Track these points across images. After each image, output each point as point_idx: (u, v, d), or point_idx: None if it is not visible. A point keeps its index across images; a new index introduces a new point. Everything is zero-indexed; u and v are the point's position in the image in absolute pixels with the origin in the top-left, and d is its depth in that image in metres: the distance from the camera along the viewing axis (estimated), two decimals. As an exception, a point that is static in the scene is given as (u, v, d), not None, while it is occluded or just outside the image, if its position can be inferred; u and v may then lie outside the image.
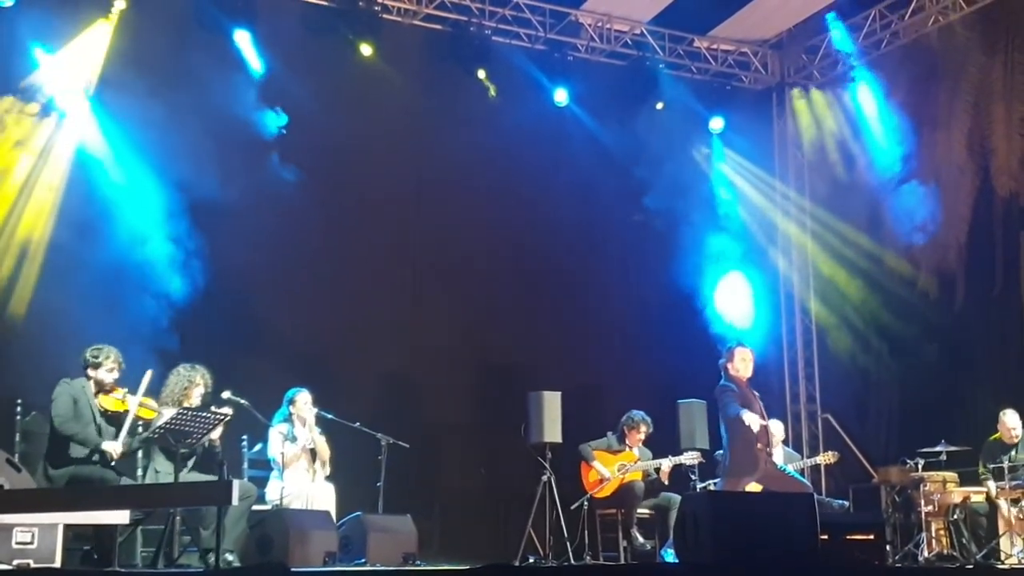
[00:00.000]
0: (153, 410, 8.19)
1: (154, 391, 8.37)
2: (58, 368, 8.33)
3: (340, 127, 11.47)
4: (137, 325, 9.52)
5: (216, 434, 8.35)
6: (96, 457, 7.96)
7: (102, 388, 8.12)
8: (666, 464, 10.31)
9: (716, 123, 13.60)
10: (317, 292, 11.34)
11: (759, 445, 8.82)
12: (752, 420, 8.65)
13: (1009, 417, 10.34)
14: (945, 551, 9.97)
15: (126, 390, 8.13)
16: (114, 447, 7.97)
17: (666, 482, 10.34)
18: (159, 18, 10.88)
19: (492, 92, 12.26)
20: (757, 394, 9.11)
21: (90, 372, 8.11)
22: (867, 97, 12.91)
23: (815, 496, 8.32)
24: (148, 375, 8.14)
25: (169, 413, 8.14)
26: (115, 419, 8.11)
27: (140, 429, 8.24)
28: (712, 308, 13.15)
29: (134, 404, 8.05)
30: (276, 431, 9.41)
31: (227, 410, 8.44)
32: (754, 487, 10.46)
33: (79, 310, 9.50)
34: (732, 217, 13.72)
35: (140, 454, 8.48)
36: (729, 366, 9.05)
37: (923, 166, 12.62)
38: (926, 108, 12.65)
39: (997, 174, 12.00)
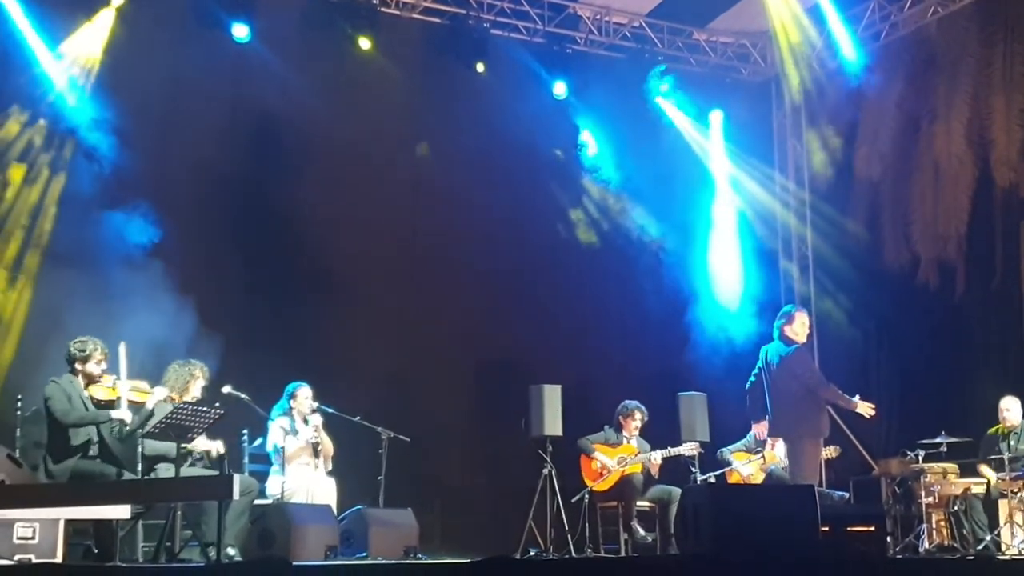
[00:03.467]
0: (145, 391, 8.17)
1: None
2: (59, 363, 8.32)
3: (339, 121, 11.47)
4: (136, 320, 9.50)
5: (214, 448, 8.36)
6: (94, 451, 7.95)
7: (91, 380, 8.07)
8: (656, 457, 10.29)
9: (715, 115, 13.59)
10: (316, 285, 11.33)
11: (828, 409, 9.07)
12: (865, 408, 9.07)
13: (1005, 401, 10.38)
14: (946, 542, 9.97)
15: (115, 377, 8.09)
16: (125, 414, 7.95)
17: (656, 475, 10.32)
18: (158, 13, 10.87)
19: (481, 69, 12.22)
20: None
21: (78, 366, 8.04)
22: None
23: (815, 488, 8.32)
24: (123, 348, 8.02)
25: (162, 392, 8.18)
26: (108, 407, 8.06)
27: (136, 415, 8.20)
28: (711, 298, 13.17)
29: (125, 389, 8.01)
30: (276, 425, 9.42)
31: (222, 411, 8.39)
32: (757, 478, 10.50)
33: (79, 305, 9.50)
34: (731, 209, 13.72)
35: (141, 448, 8.46)
36: (787, 329, 9.15)
37: (922, 157, 12.62)
38: (925, 99, 12.64)
39: (997, 165, 11.99)
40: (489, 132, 12.01)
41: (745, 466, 10.57)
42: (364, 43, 11.75)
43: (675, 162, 13.30)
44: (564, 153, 13.05)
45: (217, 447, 8.40)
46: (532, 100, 12.58)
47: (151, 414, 8.05)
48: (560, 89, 12.70)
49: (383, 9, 12.03)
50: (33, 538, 7.26)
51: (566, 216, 12.95)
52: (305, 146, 11.43)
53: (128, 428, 8.07)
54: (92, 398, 8.03)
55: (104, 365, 8.11)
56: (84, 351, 8.05)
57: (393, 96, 11.89)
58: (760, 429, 9.62)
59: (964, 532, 10.07)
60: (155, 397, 8.12)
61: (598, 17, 13.01)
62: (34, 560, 7.15)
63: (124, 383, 8.03)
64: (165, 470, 8.16)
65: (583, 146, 13.10)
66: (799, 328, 9.19)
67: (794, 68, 13.36)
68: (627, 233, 13.14)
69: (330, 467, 9.58)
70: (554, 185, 13.00)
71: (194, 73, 10.68)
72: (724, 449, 10.82)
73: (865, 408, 9.10)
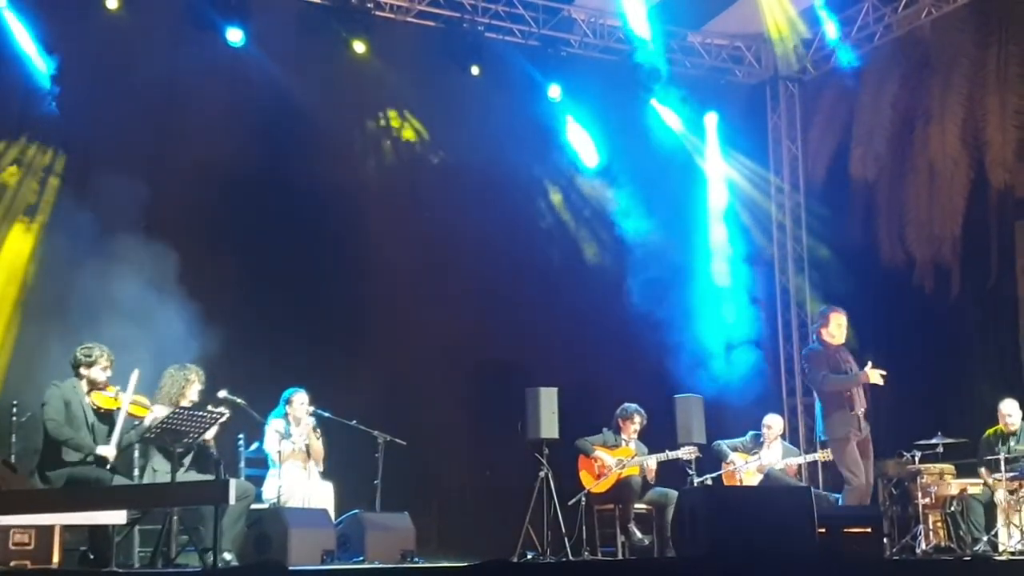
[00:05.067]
0: (145, 407, 8.12)
1: (147, 394, 8.33)
2: (54, 368, 8.31)
3: (334, 125, 11.47)
4: (132, 323, 9.49)
5: (210, 435, 8.32)
6: (91, 458, 7.93)
7: (95, 386, 8.03)
8: (651, 462, 10.28)
9: (710, 117, 13.60)
10: (313, 289, 11.32)
11: (856, 405, 8.83)
12: (875, 376, 8.79)
13: (1006, 405, 10.36)
14: (942, 543, 9.98)
15: (118, 388, 8.07)
16: (109, 451, 7.91)
17: (651, 480, 10.30)
18: (152, 16, 10.86)
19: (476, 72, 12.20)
20: (851, 356, 9.05)
21: (82, 371, 7.99)
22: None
23: (812, 489, 8.32)
24: (135, 375, 8.03)
25: (162, 411, 8.11)
26: (108, 417, 8.05)
27: (132, 430, 8.18)
28: (707, 299, 13.18)
29: (127, 402, 7.98)
30: (272, 428, 9.39)
31: (223, 410, 8.40)
32: (755, 479, 10.50)
33: (74, 310, 9.49)
34: (726, 211, 13.73)
35: (137, 454, 8.46)
36: (823, 331, 8.98)
37: (917, 158, 12.65)
38: (920, 101, 12.67)
39: (991, 166, 12.02)
40: (484, 134, 12.01)
41: (743, 465, 10.54)
42: (359, 47, 11.74)
43: (670, 164, 13.30)
44: (559, 155, 13.05)
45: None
46: (527, 103, 12.58)
47: (147, 432, 8.03)
48: (555, 92, 12.70)
49: (377, 13, 12.02)
50: (29, 544, 7.24)
51: (562, 218, 12.94)
52: (300, 149, 11.42)
53: (123, 444, 8.06)
54: (94, 405, 8.00)
55: (110, 372, 8.06)
56: (90, 356, 8.00)
57: (389, 100, 11.88)
58: None
59: (961, 533, 10.07)
60: (153, 415, 8.07)
61: (592, 20, 13.01)
62: (30, 566, 7.14)
63: (127, 396, 8.01)
64: (163, 475, 8.15)
65: (578, 148, 13.09)
66: (835, 329, 8.94)
67: (788, 68, 13.40)
68: (622, 235, 13.13)
69: (321, 468, 9.56)
70: (550, 187, 13.00)
71: (189, 77, 10.67)
72: (723, 443, 10.77)
73: (875, 375, 8.86)
